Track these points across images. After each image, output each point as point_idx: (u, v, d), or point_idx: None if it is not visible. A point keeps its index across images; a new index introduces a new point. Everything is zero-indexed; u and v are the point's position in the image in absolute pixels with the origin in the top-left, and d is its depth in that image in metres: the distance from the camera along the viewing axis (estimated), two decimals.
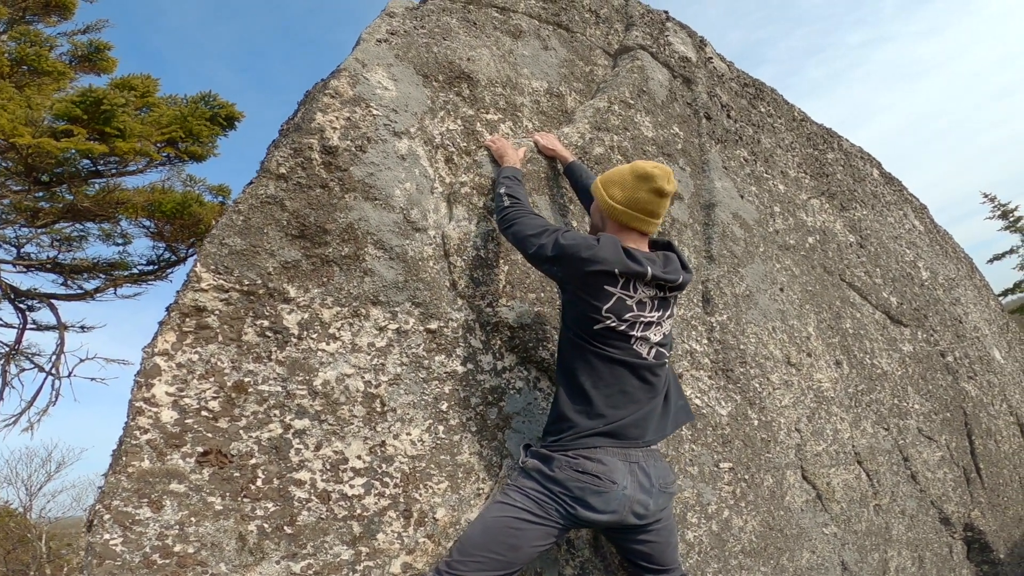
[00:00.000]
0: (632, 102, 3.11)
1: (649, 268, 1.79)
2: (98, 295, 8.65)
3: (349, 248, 1.95)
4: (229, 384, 1.69)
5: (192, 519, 1.54)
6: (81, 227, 8.50)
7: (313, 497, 1.69)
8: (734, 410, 2.74)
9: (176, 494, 1.54)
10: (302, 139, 1.96)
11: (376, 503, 1.76)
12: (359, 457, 1.79)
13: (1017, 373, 5.60)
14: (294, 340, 1.80)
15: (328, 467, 1.74)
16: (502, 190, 2.09)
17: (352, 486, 1.75)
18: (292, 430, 1.72)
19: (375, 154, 2.08)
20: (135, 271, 8.84)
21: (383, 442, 1.83)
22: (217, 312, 1.73)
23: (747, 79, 4.27)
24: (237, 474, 1.63)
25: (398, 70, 2.31)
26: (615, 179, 1.93)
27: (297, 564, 1.61)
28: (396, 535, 1.76)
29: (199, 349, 1.69)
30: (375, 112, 2.14)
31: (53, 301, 8.53)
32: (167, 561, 1.48)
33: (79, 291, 8.68)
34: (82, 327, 9.07)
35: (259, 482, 1.65)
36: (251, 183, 1.91)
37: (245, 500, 1.61)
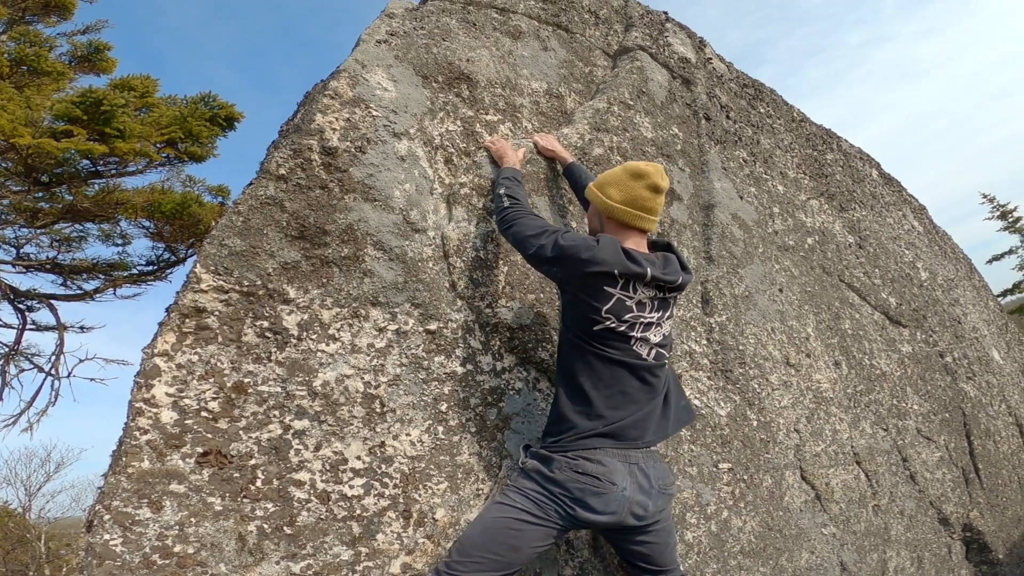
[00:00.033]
0: (631, 103, 3.12)
1: (649, 269, 1.79)
2: (97, 295, 8.65)
3: (349, 249, 1.95)
4: (229, 385, 1.69)
5: (192, 519, 1.54)
6: (81, 227, 8.50)
7: (313, 498, 1.69)
8: (733, 411, 2.74)
9: (176, 495, 1.55)
10: (302, 140, 1.96)
11: (376, 503, 1.77)
12: (359, 458, 1.79)
13: (1016, 374, 5.60)
14: (294, 341, 1.81)
15: (328, 468, 1.74)
16: (502, 191, 2.09)
17: (352, 487, 1.75)
18: (292, 431, 1.73)
19: (375, 155, 2.08)
20: (134, 271, 8.83)
21: (382, 443, 1.84)
22: (217, 313, 1.73)
23: (746, 80, 4.28)
24: (237, 475, 1.63)
25: (398, 71, 2.31)
26: (610, 180, 1.95)
27: (297, 564, 1.62)
28: (395, 535, 1.76)
29: (199, 350, 1.69)
30: (375, 113, 2.14)
31: (52, 301, 8.53)
32: (167, 561, 1.48)
33: (78, 291, 8.68)
34: (81, 327, 9.07)
35: (259, 483, 1.65)
36: (251, 184, 1.91)
37: (245, 500, 1.62)
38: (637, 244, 1.92)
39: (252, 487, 1.64)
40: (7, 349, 8.49)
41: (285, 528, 1.64)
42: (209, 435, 1.63)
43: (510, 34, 2.90)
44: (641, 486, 1.74)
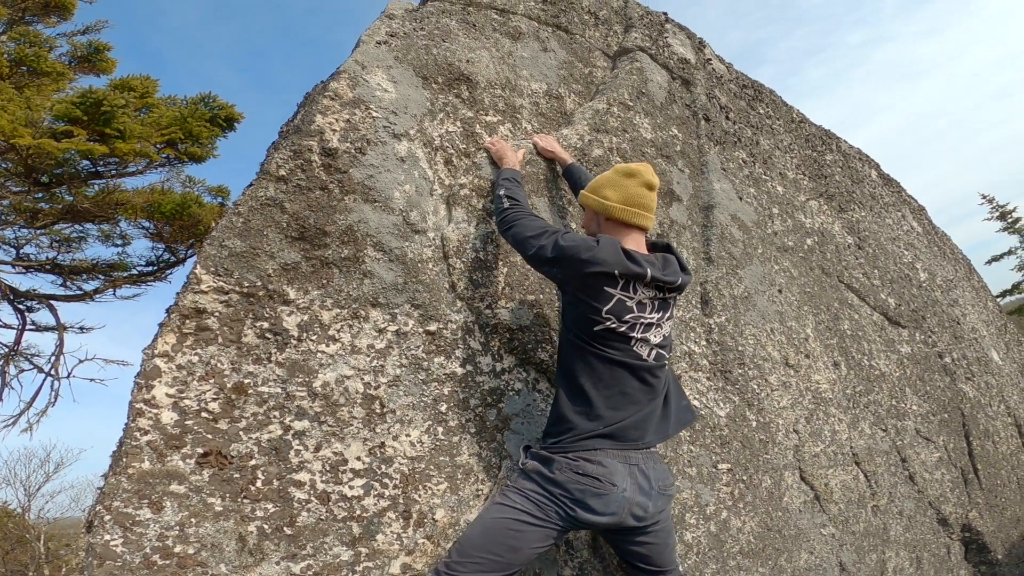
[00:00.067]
0: (631, 104, 3.12)
1: (649, 269, 1.80)
2: (97, 296, 8.65)
3: (349, 250, 1.95)
4: (229, 386, 1.70)
5: (192, 520, 1.55)
6: (80, 228, 8.50)
7: (313, 498, 1.70)
8: (732, 411, 2.74)
9: (176, 495, 1.55)
10: (302, 141, 1.97)
11: (375, 504, 1.77)
12: (358, 458, 1.79)
13: (1015, 374, 5.61)
14: (294, 342, 1.81)
15: (328, 468, 1.74)
16: (501, 192, 2.09)
17: (352, 487, 1.76)
18: (292, 431, 1.73)
19: (374, 156, 2.09)
20: (134, 272, 8.83)
21: (382, 443, 1.84)
22: (217, 314, 1.73)
23: (746, 80, 4.29)
24: (237, 475, 1.63)
25: (397, 72, 2.31)
26: (604, 182, 1.98)
27: (297, 565, 1.62)
28: (395, 536, 1.77)
29: (199, 351, 1.69)
30: (375, 114, 2.14)
31: (52, 302, 8.53)
32: (167, 562, 1.49)
33: (78, 292, 8.68)
34: (81, 328, 9.07)
35: (259, 483, 1.65)
36: (251, 185, 1.92)
37: (245, 501, 1.62)
38: (637, 244, 1.92)
39: (252, 488, 1.64)
40: (7, 350, 8.50)
41: (285, 529, 1.64)
42: (209, 436, 1.63)
43: (510, 35, 2.91)
44: (641, 487, 1.75)
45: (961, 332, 4.96)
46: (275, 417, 1.72)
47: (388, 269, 2.01)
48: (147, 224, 8.21)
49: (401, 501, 1.81)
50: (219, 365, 1.70)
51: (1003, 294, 22.53)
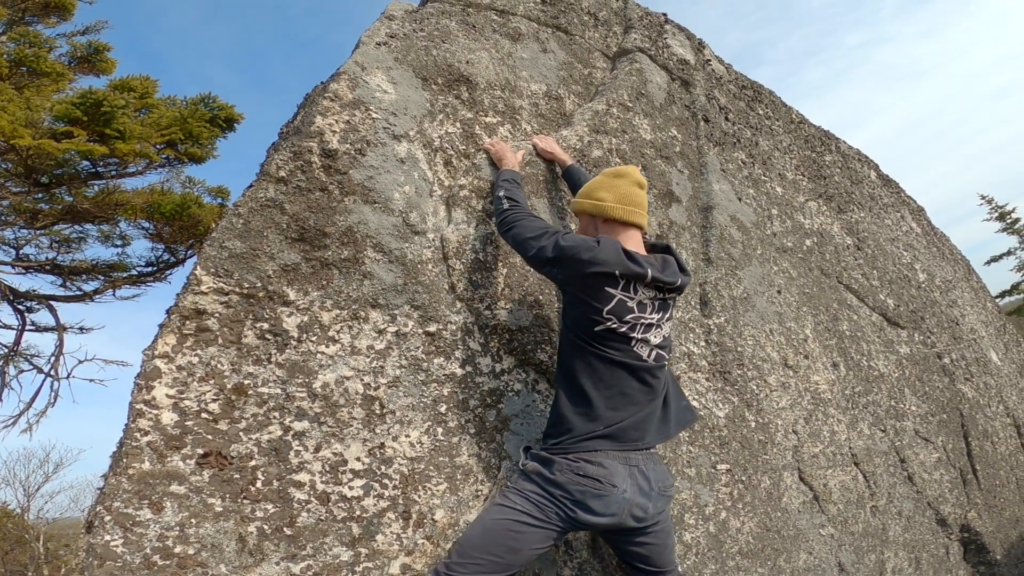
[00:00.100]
0: (630, 105, 3.13)
1: (649, 270, 1.80)
2: (97, 296, 8.66)
3: (348, 251, 1.96)
4: (229, 386, 1.70)
5: (192, 520, 1.55)
6: (80, 229, 8.50)
7: (312, 499, 1.70)
8: (731, 412, 2.75)
9: (176, 496, 1.55)
10: (302, 142, 1.97)
11: (375, 504, 1.77)
12: (358, 459, 1.80)
13: (1014, 375, 5.61)
14: (294, 343, 1.81)
15: (327, 469, 1.75)
16: (501, 193, 2.10)
17: (351, 488, 1.76)
18: (292, 432, 1.73)
19: (374, 157, 2.09)
20: (134, 273, 8.84)
21: (382, 444, 1.84)
22: (217, 315, 1.74)
23: (745, 81, 4.29)
24: (237, 476, 1.64)
25: (397, 73, 2.32)
26: (595, 186, 2.01)
27: (297, 565, 1.62)
28: (395, 536, 1.77)
29: (199, 352, 1.70)
30: (374, 115, 2.15)
31: (52, 302, 8.54)
32: (167, 562, 1.49)
33: (78, 292, 8.68)
34: (81, 328, 9.08)
35: (259, 484, 1.66)
36: (251, 186, 1.92)
37: (245, 502, 1.62)
38: (635, 245, 1.93)
39: (252, 488, 1.64)
40: (7, 350, 8.50)
41: (285, 529, 1.64)
42: (209, 436, 1.64)
43: (509, 36, 2.91)
44: (641, 488, 1.75)
45: (960, 333, 4.96)
46: (275, 418, 1.73)
47: (388, 270, 2.01)
48: (147, 225, 8.22)
49: (401, 502, 1.81)
50: (219, 366, 1.70)
51: (1002, 294, 22.55)
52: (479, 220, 2.27)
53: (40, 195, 7.58)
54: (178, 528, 1.53)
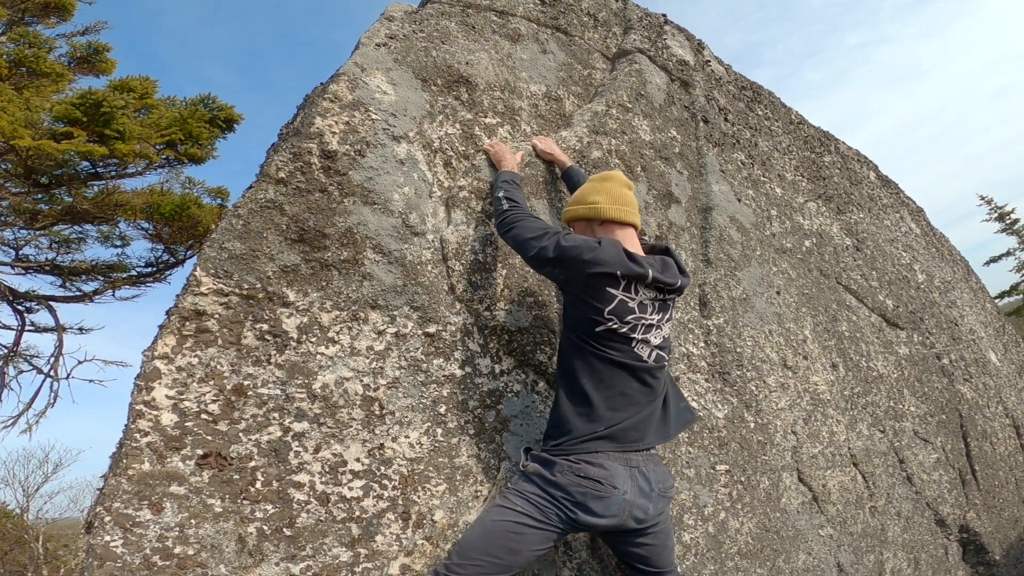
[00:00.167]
0: (630, 106, 3.13)
1: (650, 271, 1.81)
2: (96, 297, 8.66)
3: (348, 252, 1.96)
4: (229, 387, 1.70)
5: (192, 521, 1.55)
6: (80, 229, 8.51)
7: (312, 499, 1.70)
8: (731, 413, 2.75)
9: (176, 496, 1.56)
10: (301, 143, 1.97)
11: (375, 505, 1.78)
12: (358, 460, 1.80)
13: (1013, 375, 5.62)
14: (293, 344, 1.82)
15: (327, 469, 1.75)
16: (500, 194, 2.10)
17: (351, 488, 1.76)
18: (291, 433, 1.74)
19: (374, 158, 2.09)
20: (133, 273, 8.84)
21: (381, 445, 1.85)
22: (217, 316, 1.74)
23: (745, 82, 4.30)
24: (237, 476, 1.64)
25: (397, 74, 2.32)
26: (586, 192, 2.03)
27: (296, 566, 1.62)
28: (395, 537, 1.77)
29: (199, 353, 1.70)
30: (374, 116, 2.15)
31: (52, 303, 8.54)
32: (167, 563, 1.49)
33: (77, 293, 8.68)
34: (80, 329, 9.08)
35: (258, 484, 1.66)
36: (250, 187, 1.92)
37: (244, 502, 1.62)
38: (633, 245, 1.94)
39: (252, 489, 1.65)
40: (6, 351, 8.49)
41: (285, 530, 1.64)
42: (209, 437, 1.64)
43: (509, 37, 2.92)
44: (642, 489, 1.75)
45: (959, 333, 4.97)
46: (275, 419, 1.73)
47: (387, 271, 2.01)
48: (146, 225, 8.22)
49: (400, 502, 1.81)
50: (219, 367, 1.71)
51: (1001, 295, 22.55)
52: (478, 221, 2.27)
53: (40, 196, 7.58)
54: (178, 529, 1.53)
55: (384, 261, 2.02)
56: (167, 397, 1.62)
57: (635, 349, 1.81)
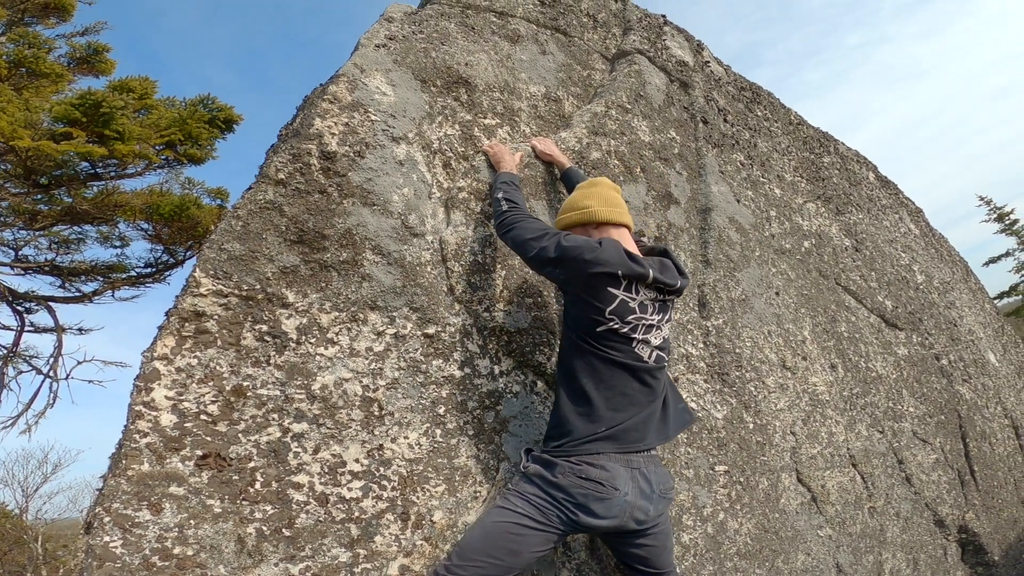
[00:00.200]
0: (629, 107, 3.14)
1: (650, 271, 1.82)
2: (96, 298, 8.65)
3: (347, 253, 1.96)
4: (228, 388, 1.70)
5: (191, 522, 1.55)
6: (79, 230, 8.51)
7: (311, 500, 1.70)
8: (730, 413, 2.75)
9: (175, 497, 1.56)
10: (301, 145, 1.98)
11: (374, 506, 1.78)
12: (357, 460, 1.80)
13: (1012, 376, 5.62)
14: (293, 345, 1.82)
15: (326, 470, 1.75)
16: (500, 195, 2.11)
17: (350, 489, 1.76)
18: (290, 434, 1.74)
19: (373, 160, 2.09)
20: (133, 274, 8.84)
21: (381, 445, 1.85)
22: (216, 317, 1.74)
23: (744, 83, 4.30)
24: (236, 477, 1.64)
25: (396, 75, 2.32)
26: (577, 199, 2.06)
27: (295, 566, 1.63)
28: (394, 537, 1.77)
29: (198, 353, 1.70)
30: (373, 117, 2.15)
31: (51, 303, 8.53)
32: (166, 563, 1.49)
33: (77, 294, 8.68)
34: (80, 329, 9.07)
35: (258, 485, 1.66)
36: (250, 188, 1.92)
37: (244, 503, 1.63)
38: (629, 246, 1.94)
39: (251, 489, 1.65)
40: (6, 351, 8.49)
41: (284, 530, 1.65)
42: (208, 438, 1.64)
43: (508, 38, 2.92)
44: (643, 491, 1.76)
45: (958, 334, 4.97)
46: (274, 419, 1.73)
47: (387, 272, 2.01)
48: (146, 226, 8.22)
49: (399, 503, 1.82)
50: (218, 368, 1.71)
51: (1000, 296, 22.55)
52: (478, 222, 2.27)
53: (39, 196, 7.58)
54: (177, 529, 1.53)
55: (383, 262, 2.02)
56: (166, 398, 1.62)
57: (636, 349, 1.82)
